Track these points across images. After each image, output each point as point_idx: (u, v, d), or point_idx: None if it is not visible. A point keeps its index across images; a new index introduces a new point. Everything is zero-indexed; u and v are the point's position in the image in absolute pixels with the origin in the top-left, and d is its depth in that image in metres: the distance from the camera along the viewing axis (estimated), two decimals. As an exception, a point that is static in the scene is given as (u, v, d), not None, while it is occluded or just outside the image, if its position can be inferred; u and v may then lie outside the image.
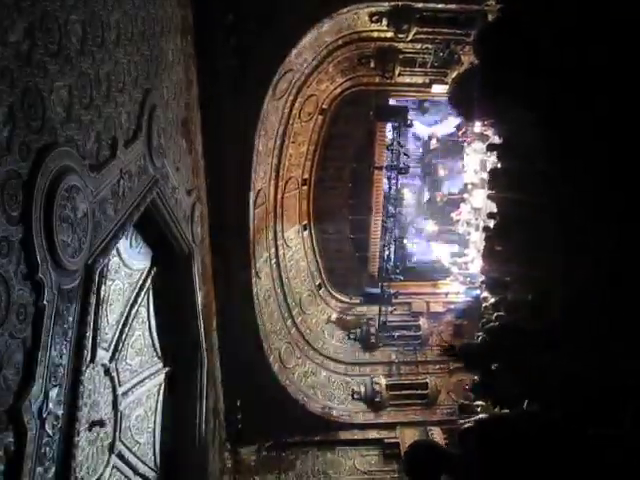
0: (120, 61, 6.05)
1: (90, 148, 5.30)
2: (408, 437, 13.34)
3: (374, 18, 11.58)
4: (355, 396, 14.43)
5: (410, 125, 16.85)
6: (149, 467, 9.01)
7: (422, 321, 16.12)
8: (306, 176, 15.80)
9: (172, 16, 8.41)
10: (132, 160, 6.53)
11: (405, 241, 20.33)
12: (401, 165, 16.13)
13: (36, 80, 4.24)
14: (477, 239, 16.88)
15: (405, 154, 16.63)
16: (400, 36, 11.95)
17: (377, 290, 16.14)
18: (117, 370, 7.69)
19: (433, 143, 21.46)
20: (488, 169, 12.54)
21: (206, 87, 10.32)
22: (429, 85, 14.73)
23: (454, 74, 13.63)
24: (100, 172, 5.48)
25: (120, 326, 7.73)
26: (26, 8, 4.07)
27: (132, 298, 8.10)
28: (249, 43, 10.46)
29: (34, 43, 4.19)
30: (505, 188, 7.98)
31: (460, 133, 19.10)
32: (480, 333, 7.76)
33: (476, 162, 17.24)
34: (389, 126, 16.52)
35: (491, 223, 9.97)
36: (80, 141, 5.05)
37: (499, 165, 9.23)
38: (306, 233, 16.19)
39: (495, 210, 9.12)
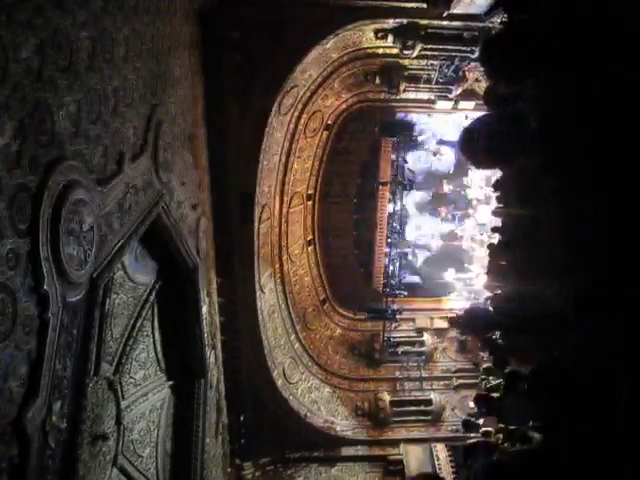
0: (128, 77, 6.12)
1: (97, 162, 5.35)
2: (412, 454, 13.25)
3: (379, 35, 11.68)
4: (359, 412, 14.35)
5: (415, 141, 16.88)
6: (151, 482, 8.95)
7: (426, 337, 16.07)
8: (311, 191, 15.86)
9: (180, 33, 8.51)
10: (138, 174, 6.58)
11: (410, 257, 20.28)
12: (405, 182, 16.16)
13: (46, 95, 4.30)
14: (482, 255, 16.84)
15: (410, 170, 16.66)
16: (405, 52, 12.02)
17: (381, 306, 16.10)
18: (121, 384, 7.68)
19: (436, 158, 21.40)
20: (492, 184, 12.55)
21: (212, 103, 10.42)
22: (434, 101, 14.82)
23: (459, 90, 13.72)
24: (107, 186, 5.53)
25: (124, 340, 7.72)
26: (39, 25, 4.14)
27: (137, 312, 8.10)
28: (255, 59, 10.57)
29: (45, 59, 4.26)
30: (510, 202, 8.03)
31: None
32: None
33: (481, 178, 17.27)
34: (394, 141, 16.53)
35: (496, 238, 9.97)
36: (87, 155, 5.11)
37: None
38: (310, 248, 16.22)
39: (500, 225, 9.13)
